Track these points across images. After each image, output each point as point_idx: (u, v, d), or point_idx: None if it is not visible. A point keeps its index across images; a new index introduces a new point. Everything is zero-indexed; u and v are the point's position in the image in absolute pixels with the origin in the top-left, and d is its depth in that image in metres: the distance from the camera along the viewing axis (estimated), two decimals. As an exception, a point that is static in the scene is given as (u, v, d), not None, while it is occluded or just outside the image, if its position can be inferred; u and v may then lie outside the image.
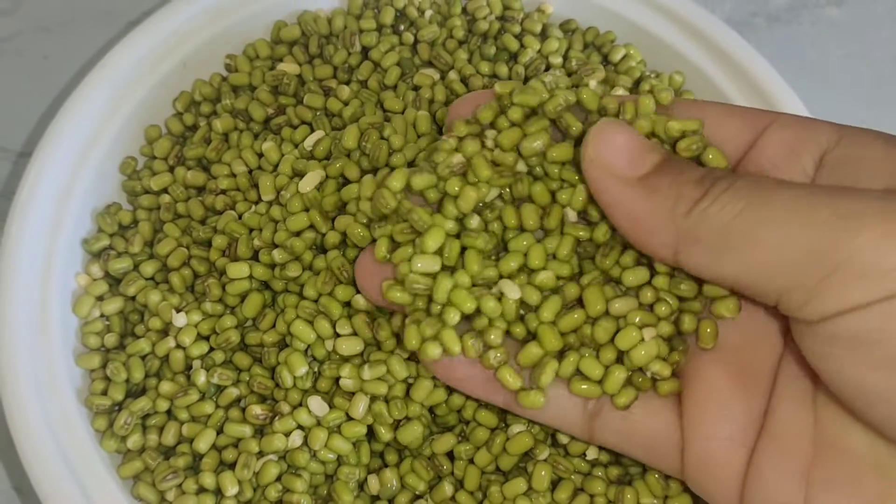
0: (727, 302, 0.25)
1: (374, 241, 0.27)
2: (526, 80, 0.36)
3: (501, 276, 0.26)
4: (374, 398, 0.28)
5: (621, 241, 0.25)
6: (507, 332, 0.26)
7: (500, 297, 0.25)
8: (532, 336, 0.26)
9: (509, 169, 0.26)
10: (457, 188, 0.25)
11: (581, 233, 0.26)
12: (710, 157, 0.25)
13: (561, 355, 0.26)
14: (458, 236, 0.26)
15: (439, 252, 0.25)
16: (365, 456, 0.29)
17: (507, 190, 0.26)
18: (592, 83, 0.26)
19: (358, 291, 0.29)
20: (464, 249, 0.25)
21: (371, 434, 0.29)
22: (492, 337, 0.25)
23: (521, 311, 0.26)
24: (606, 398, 0.26)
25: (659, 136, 0.25)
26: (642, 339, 0.25)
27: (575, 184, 0.26)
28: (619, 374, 0.25)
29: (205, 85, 0.37)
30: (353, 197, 0.30)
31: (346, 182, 0.31)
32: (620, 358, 0.26)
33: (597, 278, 0.26)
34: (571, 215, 0.26)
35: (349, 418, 0.29)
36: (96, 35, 0.44)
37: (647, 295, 0.25)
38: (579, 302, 0.26)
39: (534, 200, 0.26)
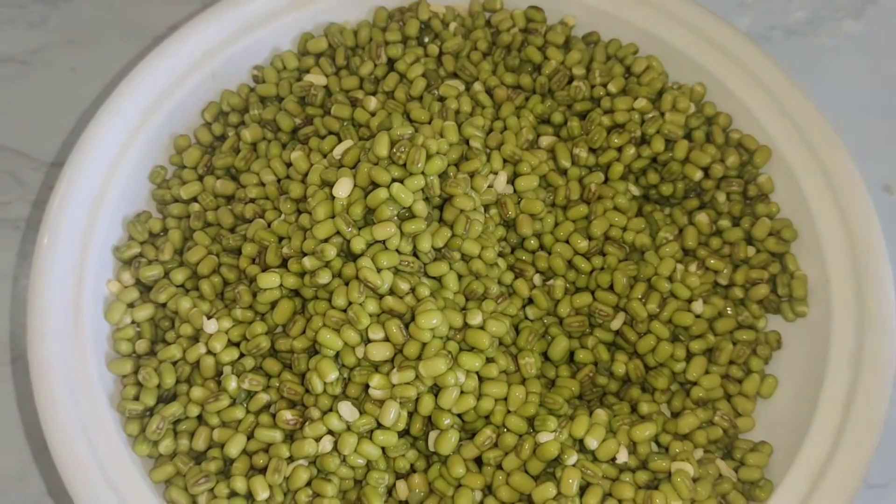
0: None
1: None
2: (550, 91, 0.36)
3: None
4: (403, 402, 0.29)
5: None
6: None
7: None
8: None
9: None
10: None
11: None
12: None
13: None
14: None
15: None
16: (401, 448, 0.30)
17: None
18: None
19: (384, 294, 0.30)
20: None
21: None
22: None
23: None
24: None
25: None
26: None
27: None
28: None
29: (233, 96, 0.37)
30: (382, 202, 0.30)
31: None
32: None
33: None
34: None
35: (379, 425, 0.29)
36: (123, 48, 0.44)
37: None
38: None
39: None
